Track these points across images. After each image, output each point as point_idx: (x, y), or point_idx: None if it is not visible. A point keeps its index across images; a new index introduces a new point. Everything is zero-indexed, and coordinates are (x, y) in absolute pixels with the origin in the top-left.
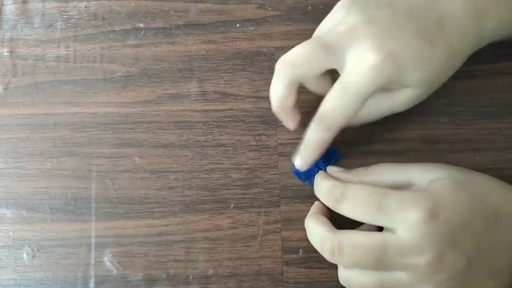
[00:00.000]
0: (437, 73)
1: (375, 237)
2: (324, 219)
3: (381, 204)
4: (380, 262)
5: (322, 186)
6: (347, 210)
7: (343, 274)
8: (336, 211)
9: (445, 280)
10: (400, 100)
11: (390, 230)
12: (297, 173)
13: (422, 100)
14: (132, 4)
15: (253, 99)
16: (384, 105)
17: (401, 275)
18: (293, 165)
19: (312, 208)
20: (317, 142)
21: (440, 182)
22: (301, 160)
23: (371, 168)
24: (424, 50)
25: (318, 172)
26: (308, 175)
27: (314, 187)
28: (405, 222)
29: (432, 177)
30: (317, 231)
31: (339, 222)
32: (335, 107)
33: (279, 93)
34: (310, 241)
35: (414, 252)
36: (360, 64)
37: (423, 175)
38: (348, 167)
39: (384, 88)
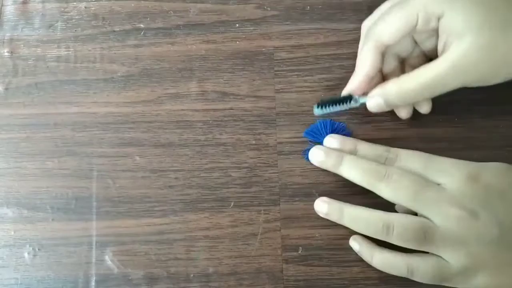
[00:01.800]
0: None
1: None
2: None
3: (426, 170)
4: (418, 196)
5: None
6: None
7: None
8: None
9: (476, 246)
10: (450, 55)
11: None
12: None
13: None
14: (132, 5)
15: (252, 99)
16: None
17: (436, 226)
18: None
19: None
20: (366, 59)
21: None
22: (349, 85)
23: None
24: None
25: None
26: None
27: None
28: (448, 179)
29: None
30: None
31: None
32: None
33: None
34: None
35: (451, 202)
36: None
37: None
38: None
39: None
